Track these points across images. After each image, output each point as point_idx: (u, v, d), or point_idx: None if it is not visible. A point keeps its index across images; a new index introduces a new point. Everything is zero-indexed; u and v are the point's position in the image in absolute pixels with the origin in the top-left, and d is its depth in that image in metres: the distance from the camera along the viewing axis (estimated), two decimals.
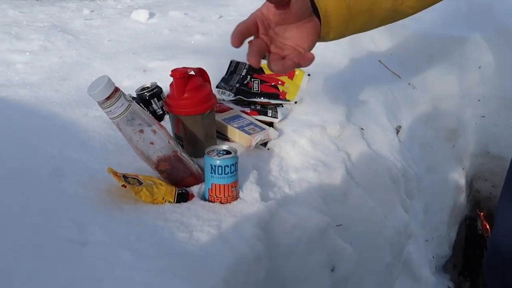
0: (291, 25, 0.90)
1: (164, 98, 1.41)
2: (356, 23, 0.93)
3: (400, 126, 1.86)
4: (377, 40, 2.11)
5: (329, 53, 1.87)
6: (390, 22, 0.97)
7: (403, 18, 0.96)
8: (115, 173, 1.00)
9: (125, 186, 0.98)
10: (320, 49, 1.87)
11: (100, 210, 0.97)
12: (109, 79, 0.97)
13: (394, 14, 0.95)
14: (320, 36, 0.92)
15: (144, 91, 1.41)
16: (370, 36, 2.09)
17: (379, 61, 2.04)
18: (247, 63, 1.62)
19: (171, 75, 1.17)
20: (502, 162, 2.32)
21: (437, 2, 0.97)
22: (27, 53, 1.78)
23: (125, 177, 1.01)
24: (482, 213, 2.43)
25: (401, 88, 2.04)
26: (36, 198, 0.97)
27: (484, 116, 2.32)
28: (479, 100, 2.32)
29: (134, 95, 1.41)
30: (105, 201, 0.99)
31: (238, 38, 0.88)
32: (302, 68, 1.63)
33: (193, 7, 2.54)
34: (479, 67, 2.34)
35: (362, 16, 0.92)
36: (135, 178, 1.03)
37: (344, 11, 0.90)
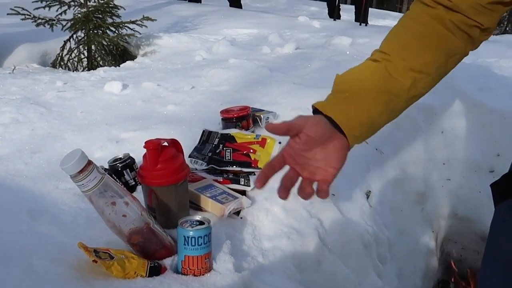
0: (317, 148, 0.90)
1: (136, 169, 1.42)
2: (380, 122, 0.94)
3: (370, 191, 1.90)
4: None
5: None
6: (410, 105, 0.98)
7: (419, 98, 0.98)
8: (86, 248, 0.98)
9: (96, 261, 0.96)
10: (290, 117, 1.94)
11: (70, 287, 0.94)
12: (82, 153, 0.98)
13: (412, 100, 0.96)
14: (349, 147, 0.93)
15: (117, 162, 1.42)
16: None
17: None
18: (219, 132, 1.67)
19: (144, 147, 1.18)
20: (470, 224, 2.38)
21: (446, 74, 0.99)
22: None
23: (96, 251, 1.00)
24: (454, 276, 2.44)
25: (369, 154, 2.10)
26: (4, 277, 0.94)
27: (449, 179, 2.39)
28: (444, 164, 2.40)
29: (107, 166, 1.41)
30: (75, 277, 0.97)
31: (260, 180, 0.92)
32: (272, 136, 1.68)
33: (165, 78, 2.60)
34: (442, 132, 2.45)
35: (383, 116, 0.93)
36: (106, 253, 1.02)
37: (365, 119, 0.91)
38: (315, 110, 0.91)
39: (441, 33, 0.93)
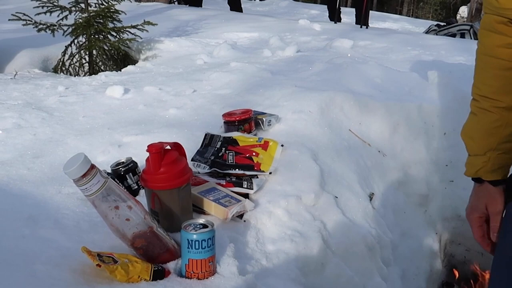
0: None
1: (139, 173, 1.41)
2: None
3: (373, 193, 1.90)
4: (347, 110, 2.19)
5: (301, 124, 1.93)
6: None
7: None
8: (89, 252, 0.98)
9: (100, 266, 0.96)
10: (292, 120, 1.94)
11: None
12: (85, 157, 0.98)
13: None
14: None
15: (119, 166, 1.42)
16: (340, 106, 2.17)
17: (350, 130, 2.11)
18: (221, 135, 1.66)
19: (147, 150, 1.18)
20: None
21: None
22: (0, 131, 1.78)
23: (99, 256, 0.99)
24: (458, 275, 2.43)
25: (372, 156, 2.10)
26: (7, 282, 0.94)
27: (452, 181, 2.38)
28: (446, 165, 2.39)
29: (109, 170, 1.41)
30: (79, 282, 0.97)
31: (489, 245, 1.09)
32: (275, 139, 1.68)
33: (167, 82, 2.60)
34: (444, 133, 2.44)
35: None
36: (110, 257, 1.02)
37: (510, 165, 1.07)
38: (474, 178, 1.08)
39: None
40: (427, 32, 7.47)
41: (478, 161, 1.06)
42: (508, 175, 1.08)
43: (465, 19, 11.54)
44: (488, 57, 1.01)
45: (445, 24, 7.77)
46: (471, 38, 6.68)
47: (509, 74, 0.99)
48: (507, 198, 1.05)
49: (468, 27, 6.98)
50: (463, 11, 12.31)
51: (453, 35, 6.81)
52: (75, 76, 3.32)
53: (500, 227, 1.04)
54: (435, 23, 8.73)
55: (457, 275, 2.38)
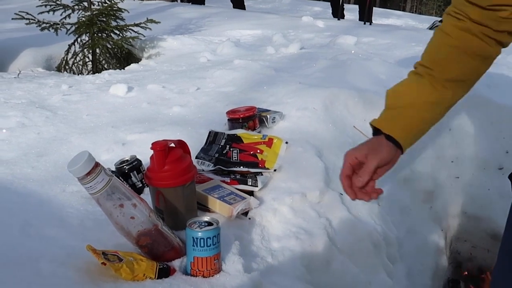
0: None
1: (143, 171, 1.41)
2: (426, 128, 1.10)
3: None
4: (351, 107, 2.18)
5: (305, 121, 1.92)
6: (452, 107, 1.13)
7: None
8: (94, 251, 0.98)
9: (105, 264, 0.96)
10: (297, 117, 1.93)
11: None
12: (90, 155, 0.97)
13: (454, 104, 1.09)
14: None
15: (123, 164, 1.41)
16: (344, 103, 2.16)
17: (354, 126, 2.10)
18: (225, 133, 1.66)
19: (151, 148, 1.18)
20: (480, 222, 2.35)
21: (483, 74, 1.10)
22: (4, 130, 1.78)
23: (104, 254, 0.99)
24: (465, 274, 2.42)
25: None
26: (12, 281, 0.94)
27: (458, 177, 2.37)
28: (452, 162, 2.38)
29: (113, 168, 1.41)
30: (84, 281, 0.96)
31: (353, 193, 1.09)
32: (279, 136, 1.67)
33: (170, 80, 2.60)
34: (450, 130, 2.42)
35: (430, 123, 1.09)
36: (115, 255, 1.01)
37: (416, 129, 1.07)
38: (374, 128, 1.08)
39: (473, 43, 1.02)
40: (431, 28, 7.44)
41: (387, 113, 1.08)
42: None
43: None
44: (441, 32, 1.06)
45: None
46: None
47: (450, 50, 1.03)
48: None
49: None
50: None
51: None
52: (78, 74, 3.32)
53: (361, 183, 1.05)
54: (439, 19, 8.68)
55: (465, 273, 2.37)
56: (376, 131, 1.07)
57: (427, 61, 1.07)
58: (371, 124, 1.09)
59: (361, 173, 1.05)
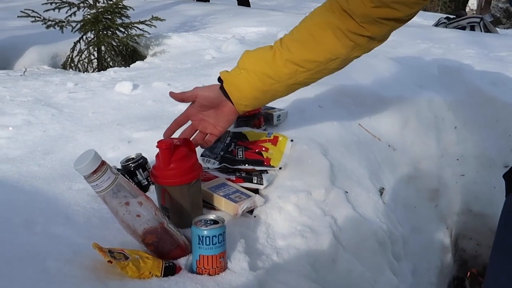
0: (211, 110, 1.29)
1: (149, 168, 1.41)
2: (264, 99, 1.22)
3: (383, 188, 1.89)
4: (356, 104, 2.18)
5: (311, 118, 1.92)
6: (293, 91, 1.25)
7: (302, 87, 1.23)
8: (101, 248, 0.98)
9: (111, 262, 0.96)
10: (302, 115, 1.93)
11: None
12: (96, 153, 0.98)
13: (294, 87, 1.21)
14: (238, 113, 1.26)
15: (129, 162, 1.42)
16: (349, 101, 2.16)
17: (359, 124, 2.09)
18: (230, 131, 1.66)
19: (157, 146, 1.18)
20: (485, 220, 2.35)
21: (330, 73, 1.19)
22: (10, 128, 1.78)
23: (110, 252, 0.99)
24: (469, 273, 2.42)
25: (382, 150, 2.08)
26: (18, 279, 0.94)
27: (463, 175, 2.37)
28: (457, 159, 2.37)
29: (119, 166, 1.41)
30: (90, 278, 0.97)
31: (167, 133, 1.32)
32: (285, 134, 1.67)
33: (175, 77, 2.60)
34: (455, 127, 2.42)
35: (267, 94, 1.21)
36: (121, 253, 1.02)
37: (250, 94, 1.20)
38: (219, 78, 1.26)
39: (327, 38, 1.09)
40: (436, 25, 7.41)
41: (234, 70, 1.25)
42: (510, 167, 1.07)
43: (475, 12, 11.42)
44: (310, 16, 1.17)
45: (454, 16, 7.68)
46: (481, 31, 6.61)
47: (307, 35, 1.12)
48: (508, 190, 1.03)
49: (478, 20, 6.91)
50: (472, 3, 12.20)
51: (463, 28, 6.74)
52: (84, 72, 3.33)
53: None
54: (444, 16, 8.64)
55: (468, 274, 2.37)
56: (220, 81, 1.26)
57: (287, 37, 1.18)
58: (219, 73, 1.27)
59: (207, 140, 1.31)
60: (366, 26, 1.05)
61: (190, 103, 1.34)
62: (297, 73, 1.15)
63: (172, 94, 1.32)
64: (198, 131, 1.34)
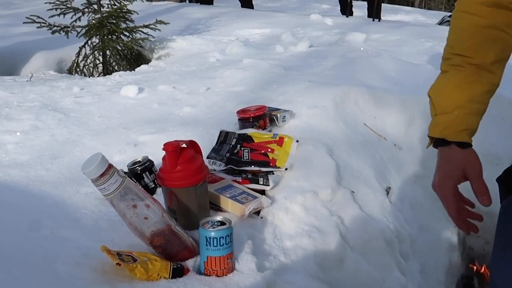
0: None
1: (155, 171, 1.42)
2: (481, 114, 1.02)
3: (389, 187, 1.88)
4: (361, 104, 2.18)
5: (316, 119, 1.92)
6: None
7: None
8: (109, 251, 0.99)
9: (120, 264, 0.97)
10: (307, 116, 1.93)
11: None
12: (103, 157, 0.98)
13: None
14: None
15: (136, 165, 1.43)
16: (354, 100, 2.16)
17: (365, 124, 2.09)
18: (236, 132, 1.66)
19: (163, 149, 1.19)
20: (492, 218, 2.33)
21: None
22: (18, 133, 1.80)
23: (119, 254, 1.00)
24: (476, 267, 2.40)
25: (388, 150, 2.08)
26: (28, 282, 0.95)
27: None
28: None
29: (126, 169, 1.42)
30: (100, 281, 0.98)
31: (464, 227, 1.04)
32: (290, 135, 1.67)
33: (181, 80, 2.61)
34: None
35: (484, 112, 1.01)
36: (129, 255, 1.02)
37: (477, 124, 0.99)
38: (436, 140, 0.99)
39: (507, 18, 0.94)
40: (440, 23, 7.38)
41: (444, 119, 0.97)
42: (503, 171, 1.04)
43: None
44: (465, 14, 0.98)
45: None
46: None
47: (484, 32, 0.95)
48: (506, 192, 1.02)
49: None
50: None
51: None
52: (89, 76, 3.35)
53: (487, 191, 0.98)
54: (448, 14, 8.61)
55: (475, 269, 2.35)
56: (439, 141, 0.99)
57: (462, 50, 0.97)
58: (431, 137, 1.00)
59: (479, 190, 0.99)
60: None
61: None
62: (502, 68, 1.00)
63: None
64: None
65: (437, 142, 1.00)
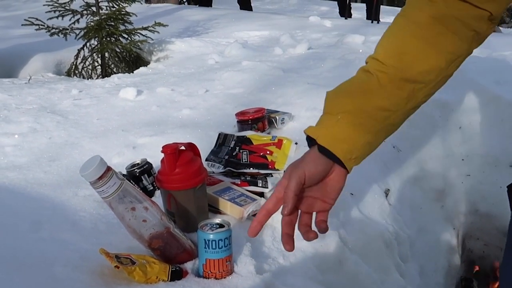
0: (313, 186, 0.86)
1: (154, 174, 1.42)
2: (377, 141, 0.88)
3: (388, 189, 1.88)
4: None
5: (315, 121, 1.91)
6: (408, 117, 0.92)
7: (419, 108, 0.92)
8: (108, 254, 0.99)
9: (118, 267, 0.96)
10: (306, 118, 1.93)
11: None
12: (101, 159, 0.98)
13: (411, 111, 0.89)
14: (348, 172, 0.87)
15: (134, 167, 1.42)
16: None
17: None
18: (235, 135, 1.66)
19: (162, 151, 1.19)
20: (491, 220, 2.34)
21: (449, 78, 0.90)
22: (16, 136, 1.80)
23: (117, 257, 1.00)
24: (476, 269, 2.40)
25: (387, 152, 2.08)
26: (26, 284, 0.95)
27: (469, 175, 2.36)
28: (462, 160, 2.37)
29: (124, 172, 1.42)
30: (98, 284, 0.97)
31: (255, 230, 0.86)
32: (289, 137, 1.67)
33: (179, 82, 2.61)
34: (460, 128, 2.41)
35: (380, 134, 0.87)
36: (128, 258, 1.02)
37: (362, 141, 0.85)
38: (308, 137, 0.86)
39: (441, 36, 0.83)
40: None
41: (325, 119, 0.86)
42: None
43: None
44: (406, 20, 0.87)
45: None
46: None
47: (417, 43, 0.84)
48: None
49: None
50: None
51: None
52: (88, 79, 3.35)
53: (288, 199, 0.81)
54: None
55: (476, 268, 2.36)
56: (311, 141, 0.86)
57: (383, 55, 0.87)
58: (305, 132, 0.88)
59: (284, 199, 0.82)
60: (483, 5, 0.83)
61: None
62: (415, 92, 0.85)
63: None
64: (299, 212, 0.89)
65: (308, 141, 0.88)
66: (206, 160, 1.59)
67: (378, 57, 0.87)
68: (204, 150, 1.58)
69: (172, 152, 1.18)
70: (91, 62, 3.46)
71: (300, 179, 0.82)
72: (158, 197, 1.35)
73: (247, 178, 1.50)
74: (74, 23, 3.37)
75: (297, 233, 1.34)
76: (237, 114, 1.81)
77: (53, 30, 3.30)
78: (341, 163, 0.83)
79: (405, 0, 0.93)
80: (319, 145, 0.83)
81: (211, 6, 7.27)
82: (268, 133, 1.76)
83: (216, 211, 1.34)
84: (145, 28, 3.45)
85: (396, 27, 0.88)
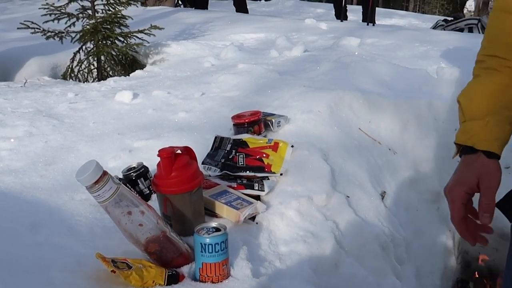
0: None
1: (150, 177, 1.42)
2: None
3: (384, 192, 1.89)
4: (356, 109, 2.19)
5: (311, 124, 1.93)
6: None
7: None
8: (104, 258, 0.99)
9: (114, 271, 0.97)
10: (302, 120, 1.94)
11: None
12: (97, 163, 0.98)
13: None
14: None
15: (131, 171, 1.42)
16: (349, 105, 2.17)
17: (359, 128, 2.10)
18: (231, 138, 1.66)
19: (158, 155, 1.19)
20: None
21: None
22: (12, 140, 1.79)
23: (114, 261, 1.00)
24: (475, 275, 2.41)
25: (383, 154, 2.09)
26: None
27: None
28: (458, 162, 2.37)
29: (121, 176, 1.42)
30: None
31: (470, 238, 0.95)
32: (285, 140, 1.68)
33: (175, 85, 2.61)
34: (455, 130, 2.41)
35: None
36: (124, 262, 1.02)
37: (507, 134, 0.92)
38: (463, 148, 0.92)
39: None
40: (434, 27, 7.42)
41: (474, 126, 0.90)
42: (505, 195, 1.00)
43: (473, 13, 11.44)
44: (505, 13, 0.91)
45: (452, 19, 7.70)
46: (479, 32, 6.61)
47: None
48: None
49: (475, 22, 6.91)
50: (470, 5, 12.22)
51: (461, 30, 6.74)
52: (84, 82, 3.34)
53: (492, 210, 0.88)
54: (442, 18, 8.66)
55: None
56: (466, 149, 0.91)
57: (498, 51, 0.91)
58: (458, 144, 0.93)
59: (485, 207, 0.88)
60: None
61: None
62: None
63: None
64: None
65: (463, 150, 0.93)
66: (203, 163, 1.59)
67: (496, 54, 0.92)
68: (200, 153, 1.58)
69: (168, 156, 1.18)
70: (87, 65, 3.46)
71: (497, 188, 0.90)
72: (154, 201, 1.35)
73: (244, 181, 1.50)
74: (70, 26, 3.36)
75: (294, 236, 1.35)
76: (233, 117, 1.81)
77: (49, 34, 3.29)
78: (498, 158, 0.90)
79: (403, 2, 0.95)
80: (483, 150, 0.89)
81: (207, 8, 7.28)
82: (264, 136, 1.76)
83: (213, 214, 1.35)
84: (141, 31, 3.45)
85: (499, 22, 0.92)
